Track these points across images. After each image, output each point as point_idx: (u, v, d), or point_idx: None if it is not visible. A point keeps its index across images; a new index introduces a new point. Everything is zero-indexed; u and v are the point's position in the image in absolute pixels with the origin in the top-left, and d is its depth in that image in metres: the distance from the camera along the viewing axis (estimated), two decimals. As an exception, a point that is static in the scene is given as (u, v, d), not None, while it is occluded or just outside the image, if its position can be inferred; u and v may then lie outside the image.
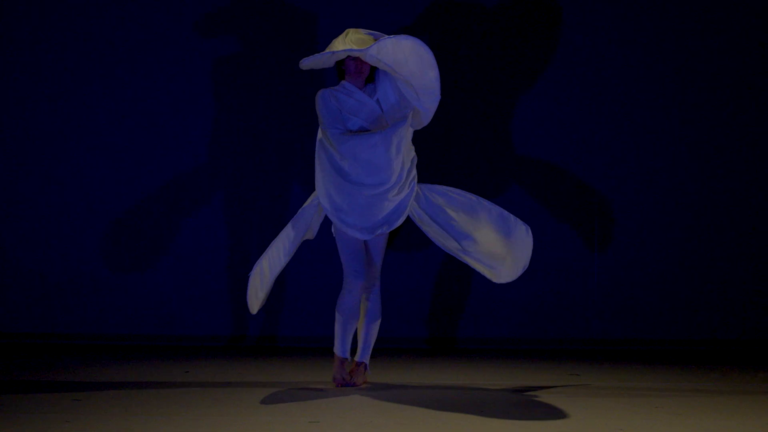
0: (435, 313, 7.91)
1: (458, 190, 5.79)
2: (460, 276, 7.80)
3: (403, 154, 5.60)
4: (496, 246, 5.74)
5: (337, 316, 5.83)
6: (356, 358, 6.00)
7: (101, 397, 5.51)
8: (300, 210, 5.77)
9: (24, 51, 7.87)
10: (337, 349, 5.86)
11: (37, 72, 7.87)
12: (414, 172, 5.70)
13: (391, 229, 5.68)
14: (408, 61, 5.45)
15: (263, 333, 7.84)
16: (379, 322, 5.92)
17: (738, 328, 7.94)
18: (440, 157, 7.82)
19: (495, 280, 5.82)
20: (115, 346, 7.66)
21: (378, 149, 5.54)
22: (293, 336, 7.84)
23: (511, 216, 5.77)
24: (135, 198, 7.86)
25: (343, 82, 5.75)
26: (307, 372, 6.56)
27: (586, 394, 5.80)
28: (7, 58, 7.87)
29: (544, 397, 5.68)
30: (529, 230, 5.76)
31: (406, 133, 5.64)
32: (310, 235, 5.84)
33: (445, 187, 5.80)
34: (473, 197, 5.76)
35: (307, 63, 5.69)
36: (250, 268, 5.41)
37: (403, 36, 5.43)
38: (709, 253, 7.94)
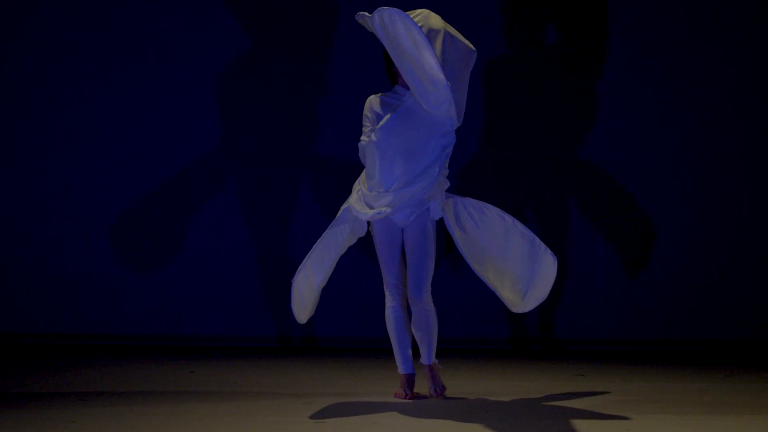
0: (440, 314, 7.90)
1: (494, 209, 5.55)
2: (465, 276, 7.79)
3: (417, 153, 5.39)
4: (516, 274, 5.54)
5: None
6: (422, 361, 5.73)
7: (107, 397, 5.52)
8: (342, 211, 5.53)
9: (30, 53, 7.87)
10: (398, 367, 5.64)
11: (44, 72, 7.86)
12: (438, 163, 5.41)
13: (418, 212, 5.43)
14: (404, 39, 5.19)
15: (271, 333, 7.84)
16: (429, 326, 5.65)
17: (744, 328, 7.93)
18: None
19: (512, 309, 5.59)
20: (121, 346, 7.66)
21: (371, 156, 5.42)
22: (301, 336, 7.83)
23: (542, 245, 5.52)
24: (142, 198, 7.85)
25: (395, 86, 5.56)
26: (314, 372, 6.56)
27: (592, 394, 5.80)
28: (15, 61, 7.87)
29: (550, 397, 5.68)
30: (555, 262, 5.50)
31: (399, 133, 5.38)
32: (361, 232, 5.56)
33: (481, 202, 5.57)
34: (507, 218, 5.53)
35: (358, 18, 5.52)
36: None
37: (395, 11, 5.17)
38: (715, 253, 7.93)
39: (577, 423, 4.96)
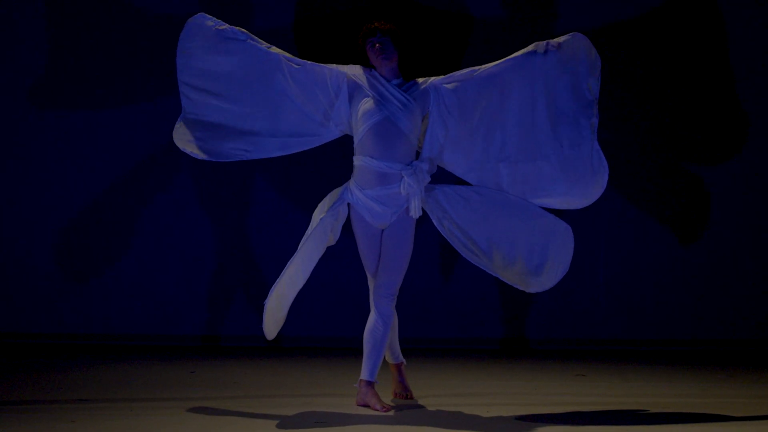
0: (438, 314, 7.90)
1: (489, 189, 5.27)
2: (462, 275, 7.79)
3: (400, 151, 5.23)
4: (528, 252, 5.21)
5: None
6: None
7: (107, 397, 5.52)
8: (318, 222, 5.26)
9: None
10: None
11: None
12: (413, 165, 5.18)
13: (399, 210, 5.21)
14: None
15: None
16: (374, 336, 5.27)
17: (744, 328, 7.93)
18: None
19: (527, 289, 5.25)
20: (121, 346, 7.66)
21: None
22: (297, 336, 7.83)
23: (550, 216, 5.27)
24: (136, 198, 7.85)
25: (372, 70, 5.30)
26: (311, 372, 6.56)
27: (592, 394, 5.80)
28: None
29: (551, 397, 5.68)
30: (569, 230, 5.23)
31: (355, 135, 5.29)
32: (332, 241, 5.38)
33: (472, 186, 5.30)
34: (502, 195, 5.25)
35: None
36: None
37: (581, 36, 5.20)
38: (715, 253, 7.93)
39: (577, 423, 4.96)
